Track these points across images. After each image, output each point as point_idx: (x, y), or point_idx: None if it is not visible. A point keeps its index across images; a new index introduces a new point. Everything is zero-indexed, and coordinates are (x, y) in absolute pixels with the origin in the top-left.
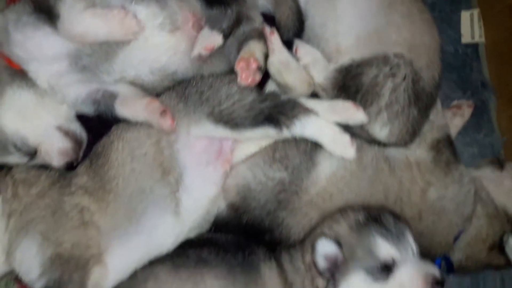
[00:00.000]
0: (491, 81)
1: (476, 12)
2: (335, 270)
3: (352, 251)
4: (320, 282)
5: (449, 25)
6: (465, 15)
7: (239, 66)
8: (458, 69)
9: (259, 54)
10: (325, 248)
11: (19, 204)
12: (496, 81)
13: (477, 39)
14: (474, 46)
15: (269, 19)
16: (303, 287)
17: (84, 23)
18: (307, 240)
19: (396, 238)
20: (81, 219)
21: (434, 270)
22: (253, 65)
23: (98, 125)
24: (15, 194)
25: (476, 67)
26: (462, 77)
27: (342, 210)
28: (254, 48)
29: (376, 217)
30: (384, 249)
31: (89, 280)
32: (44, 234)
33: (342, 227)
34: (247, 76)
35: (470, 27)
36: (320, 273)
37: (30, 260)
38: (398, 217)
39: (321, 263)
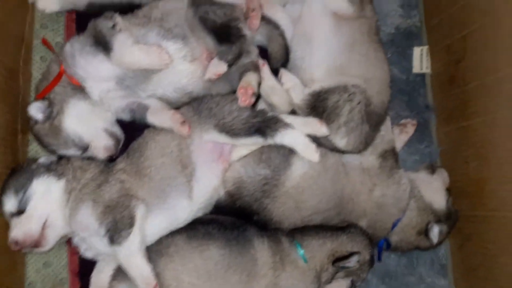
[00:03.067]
0: (433, 104)
1: (425, 48)
2: None
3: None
4: None
5: (403, 57)
6: (417, 50)
7: (239, 92)
8: (408, 93)
9: (254, 83)
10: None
11: (78, 184)
12: (436, 104)
13: (424, 70)
14: (422, 76)
15: (263, 50)
16: None
17: (131, 55)
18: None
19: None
20: (122, 186)
21: None
22: (250, 92)
23: (131, 128)
24: (74, 176)
25: (422, 92)
26: (411, 100)
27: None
28: (251, 78)
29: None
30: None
31: (135, 212)
32: (94, 199)
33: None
34: (245, 99)
35: (420, 60)
36: None
37: (87, 218)
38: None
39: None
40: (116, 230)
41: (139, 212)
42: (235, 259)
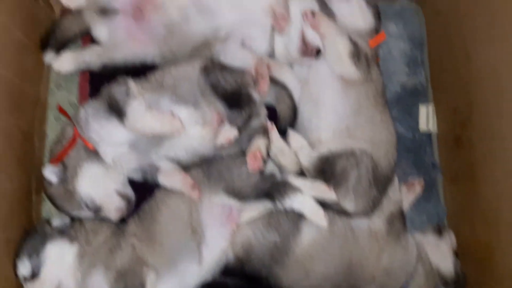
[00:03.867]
0: (439, 163)
1: (431, 106)
2: None
3: None
4: None
5: (409, 115)
6: (422, 109)
7: (249, 158)
8: (415, 151)
9: (263, 148)
10: None
11: (90, 247)
12: (443, 163)
13: (430, 128)
14: (428, 134)
15: (271, 109)
16: None
17: (144, 121)
18: None
19: None
20: (134, 252)
21: None
22: (259, 157)
23: (141, 187)
24: (87, 240)
25: (428, 151)
26: (417, 158)
27: None
28: (260, 143)
29: None
30: None
31: (146, 280)
32: (106, 265)
33: None
34: (254, 165)
35: (426, 118)
36: None
37: (100, 284)
38: None
39: None
40: None
41: (150, 280)
42: None
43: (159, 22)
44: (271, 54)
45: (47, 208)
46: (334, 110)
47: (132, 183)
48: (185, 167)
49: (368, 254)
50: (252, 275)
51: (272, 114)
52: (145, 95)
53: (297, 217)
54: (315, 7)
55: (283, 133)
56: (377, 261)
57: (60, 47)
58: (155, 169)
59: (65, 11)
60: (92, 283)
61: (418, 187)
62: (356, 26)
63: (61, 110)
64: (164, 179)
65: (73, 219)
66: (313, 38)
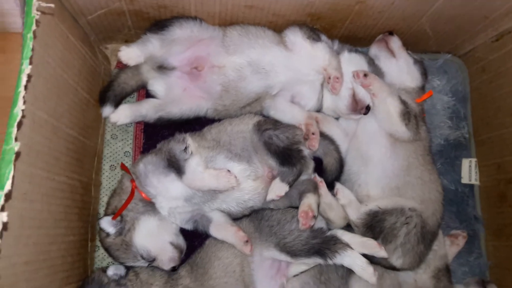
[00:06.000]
0: (482, 216)
1: (474, 160)
2: None
3: None
4: None
5: (452, 168)
6: (465, 162)
7: (300, 216)
8: (457, 203)
9: (314, 206)
10: None
11: None
12: (485, 216)
13: (473, 181)
14: (471, 187)
15: (318, 161)
16: None
17: (202, 180)
18: None
19: None
20: None
21: None
22: (310, 215)
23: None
24: None
25: (471, 203)
26: (459, 211)
27: None
28: (311, 201)
29: None
30: None
31: None
32: None
33: None
34: (306, 223)
35: (469, 171)
36: None
37: None
38: None
39: None
40: None
41: None
42: None
43: (215, 80)
44: (319, 109)
45: (100, 255)
46: (383, 167)
47: (183, 230)
48: (235, 218)
49: None
50: None
51: (319, 166)
52: (202, 152)
53: (347, 273)
54: (364, 65)
55: (329, 186)
56: None
57: (117, 100)
58: (207, 220)
59: (121, 63)
60: None
61: (461, 240)
62: (404, 84)
63: (123, 167)
64: (216, 232)
65: (127, 268)
66: (364, 96)
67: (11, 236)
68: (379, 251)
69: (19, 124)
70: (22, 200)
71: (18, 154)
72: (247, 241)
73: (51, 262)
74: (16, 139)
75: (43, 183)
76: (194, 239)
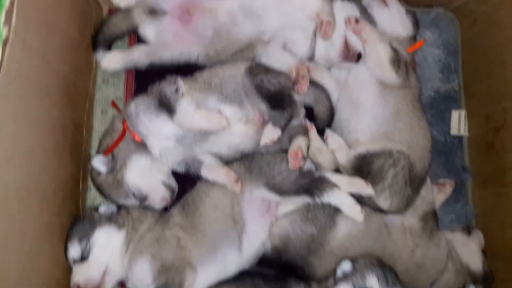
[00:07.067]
0: (469, 166)
1: (463, 112)
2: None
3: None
4: None
5: (442, 120)
6: (455, 114)
7: (290, 156)
8: (446, 154)
9: (304, 147)
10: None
11: (136, 234)
12: (473, 166)
13: (462, 132)
14: (460, 138)
15: (309, 110)
16: None
17: (194, 120)
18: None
19: (383, 276)
20: (178, 244)
21: None
22: (300, 156)
23: (183, 178)
24: (133, 227)
25: (459, 154)
26: (448, 161)
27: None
28: (301, 142)
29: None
30: (370, 280)
31: (185, 281)
32: (153, 254)
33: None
34: (295, 163)
35: (458, 123)
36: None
37: (144, 272)
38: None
39: (339, 272)
40: None
41: (188, 281)
42: None
43: (207, 24)
44: (311, 57)
45: (92, 196)
46: (373, 113)
47: (175, 174)
48: (226, 162)
49: (401, 248)
50: (288, 264)
51: (310, 114)
52: (193, 94)
53: (334, 212)
54: (357, 13)
55: (320, 133)
56: (410, 256)
57: (109, 45)
58: (199, 163)
59: (112, 10)
60: (137, 270)
61: (449, 188)
62: (396, 32)
63: (114, 105)
64: (207, 173)
65: (119, 207)
66: (355, 43)
67: (2, 153)
68: (366, 189)
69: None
70: (13, 121)
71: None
72: (237, 180)
73: (43, 191)
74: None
75: (33, 110)
76: (186, 184)
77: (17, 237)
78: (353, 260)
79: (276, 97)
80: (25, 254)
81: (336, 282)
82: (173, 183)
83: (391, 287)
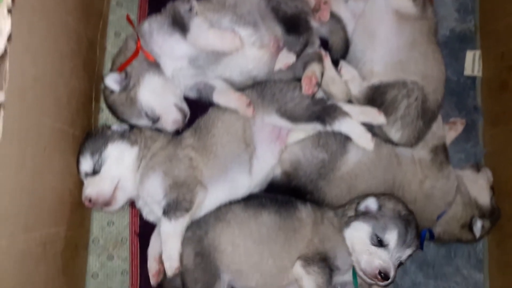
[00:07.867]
0: (481, 106)
1: (478, 52)
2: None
3: (381, 217)
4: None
5: (456, 60)
6: (469, 54)
7: (304, 81)
8: (458, 94)
9: (318, 74)
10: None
11: (148, 152)
12: (484, 107)
13: (476, 73)
14: (473, 78)
15: (324, 41)
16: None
17: (207, 38)
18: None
19: (403, 235)
20: (190, 164)
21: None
22: (314, 82)
23: (194, 105)
24: (146, 145)
25: (472, 94)
26: (460, 101)
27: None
28: (315, 68)
29: (406, 215)
30: (390, 234)
31: (196, 199)
32: (165, 171)
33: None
34: (309, 88)
35: (472, 63)
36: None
37: (156, 187)
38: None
39: (362, 206)
40: (174, 208)
41: (199, 199)
42: (283, 222)
43: None
44: None
45: (104, 117)
46: (389, 44)
47: (187, 101)
48: (238, 90)
49: (411, 178)
50: (298, 189)
51: (325, 46)
52: (207, 14)
53: (345, 139)
54: None
55: (335, 65)
56: (419, 186)
57: None
58: (211, 88)
59: None
60: (149, 185)
61: (459, 126)
62: None
63: (128, 20)
64: (219, 98)
65: (131, 127)
66: None
67: (19, 43)
68: (378, 117)
69: None
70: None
71: None
72: (249, 104)
73: (57, 95)
74: None
75: (50, 15)
76: (197, 111)
77: (35, 134)
78: (380, 199)
79: (293, 21)
80: (40, 153)
81: (357, 213)
82: (185, 107)
83: (406, 247)
